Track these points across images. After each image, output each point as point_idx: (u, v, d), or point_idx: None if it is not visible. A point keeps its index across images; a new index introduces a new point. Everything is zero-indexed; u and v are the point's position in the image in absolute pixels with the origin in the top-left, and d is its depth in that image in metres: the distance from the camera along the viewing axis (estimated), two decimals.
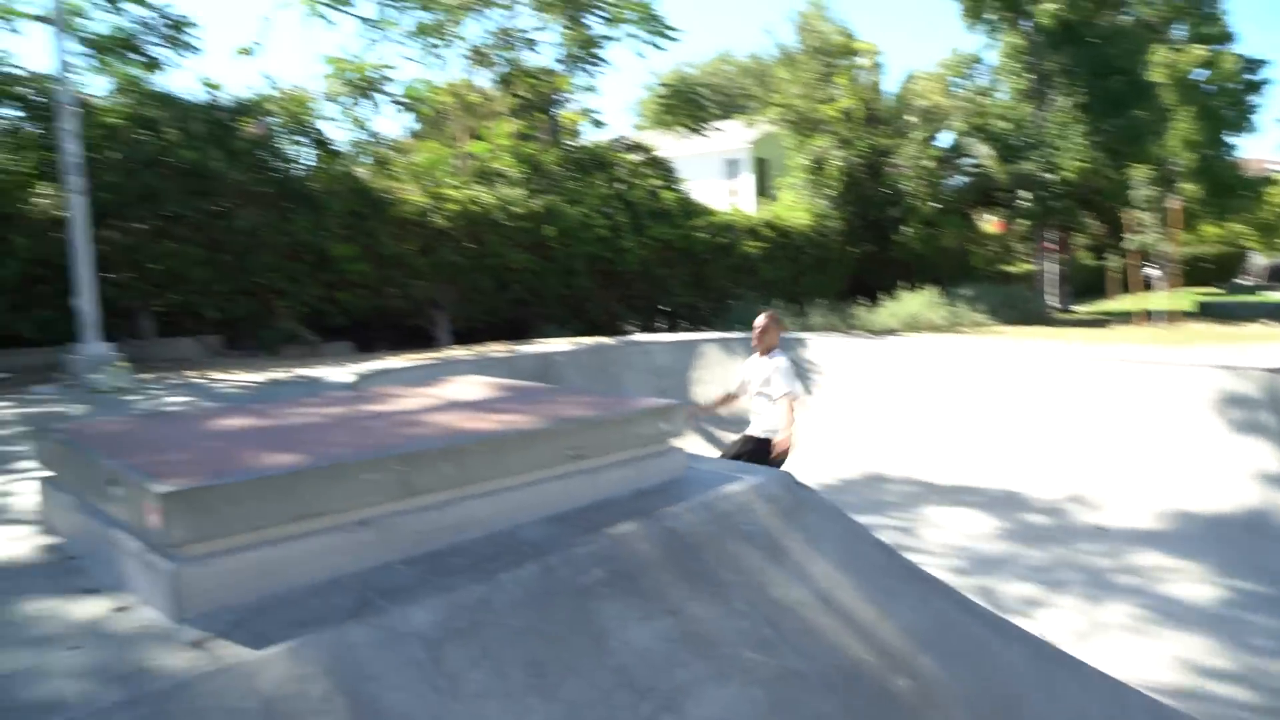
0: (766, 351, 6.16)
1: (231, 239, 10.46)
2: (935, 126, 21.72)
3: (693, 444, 8.72)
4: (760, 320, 6.14)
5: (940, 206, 21.14)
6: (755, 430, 6.16)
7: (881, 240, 20.82)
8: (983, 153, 21.09)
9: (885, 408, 9.43)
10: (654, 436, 3.62)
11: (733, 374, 6.61)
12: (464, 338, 12.83)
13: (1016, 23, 22.01)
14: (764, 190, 30.37)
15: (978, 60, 24.26)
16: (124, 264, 9.75)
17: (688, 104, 19.49)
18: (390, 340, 12.50)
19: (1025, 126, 21.06)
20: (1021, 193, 20.73)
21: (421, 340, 12.61)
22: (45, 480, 3.69)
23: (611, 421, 3.48)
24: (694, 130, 19.06)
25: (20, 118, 10.20)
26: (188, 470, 2.59)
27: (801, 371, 10.46)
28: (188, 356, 10.28)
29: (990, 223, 25.58)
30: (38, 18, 11.78)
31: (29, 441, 5.44)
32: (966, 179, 22.48)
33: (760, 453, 5.93)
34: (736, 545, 3.15)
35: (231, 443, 3.17)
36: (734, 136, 30.51)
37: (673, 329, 15.37)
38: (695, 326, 15.71)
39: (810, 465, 8.57)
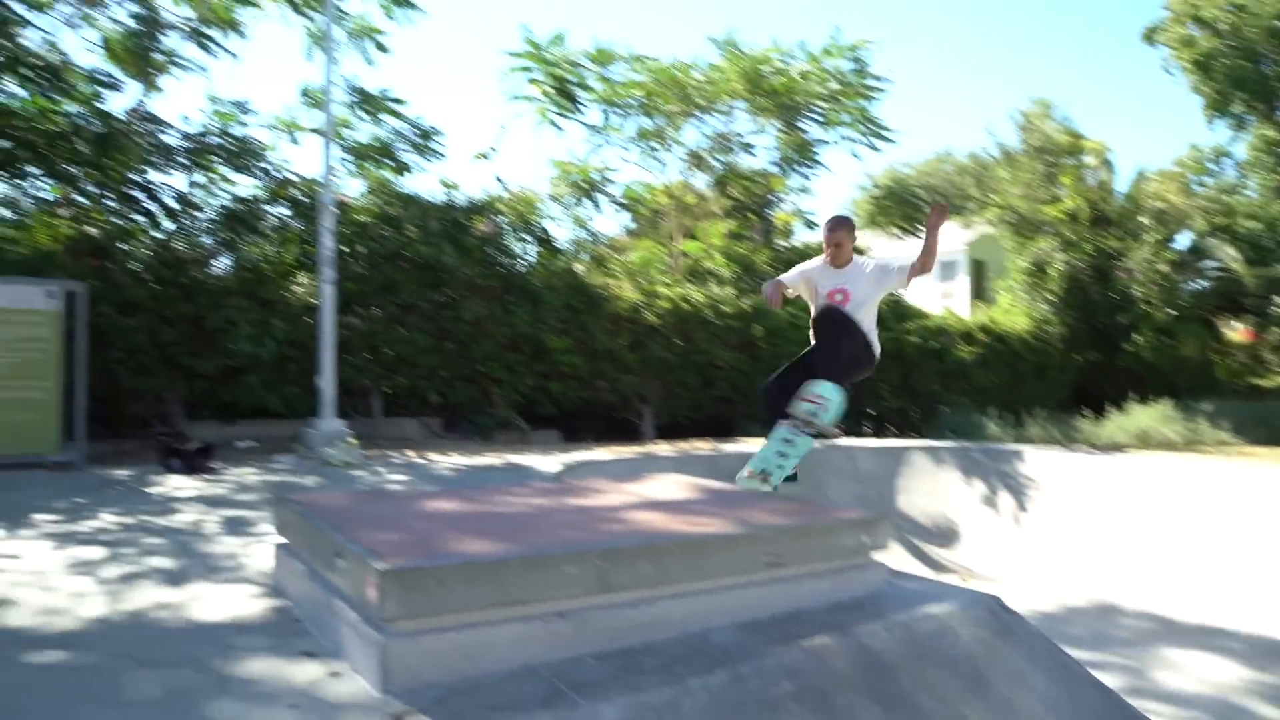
0: (845, 263, 5.15)
1: (457, 328, 11.21)
2: (1172, 228, 20.34)
3: (896, 557, 8.33)
4: (836, 227, 5.07)
5: (1176, 313, 19.63)
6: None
7: (1108, 348, 19.50)
8: (1228, 255, 19.50)
9: (1116, 531, 8.69)
10: (855, 549, 3.52)
11: (798, 277, 5.30)
12: (667, 432, 13.01)
13: (1271, 114, 20.46)
14: (980, 293, 29.33)
15: (1225, 154, 22.68)
16: (361, 347, 10.64)
17: (902, 204, 19.28)
18: (596, 431, 12.85)
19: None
20: (1276, 298, 18.94)
21: (626, 433, 12.88)
22: (279, 546, 4.02)
23: (811, 531, 3.41)
24: (908, 231, 18.78)
25: (288, 216, 11.49)
26: (404, 550, 2.75)
27: (1017, 488, 9.86)
28: (410, 436, 10.99)
29: (1237, 331, 23.43)
30: (312, 130, 13.33)
31: (268, 508, 5.95)
32: (1208, 283, 20.81)
33: (851, 341, 5.12)
34: (936, 670, 2.98)
35: (444, 525, 3.35)
36: (950, 237, 29.82)
37: (879, 434, 14.95)
38: (903, 433, 15.21)
39: (1027, 589, 7.99)
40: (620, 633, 2.83)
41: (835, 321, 5.07)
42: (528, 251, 13.16)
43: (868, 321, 5.26)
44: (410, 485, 7.15)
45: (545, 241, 13.34)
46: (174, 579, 4.11)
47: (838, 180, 30.25)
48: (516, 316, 11.57)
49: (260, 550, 4.69)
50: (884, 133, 16.68)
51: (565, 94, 14.99)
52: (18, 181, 10.65)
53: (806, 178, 17.18)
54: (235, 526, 5.36)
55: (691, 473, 6.70)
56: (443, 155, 13.13)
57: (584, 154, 16.17)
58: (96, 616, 3.53)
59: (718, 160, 17.07)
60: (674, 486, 4.34)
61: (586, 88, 15.70)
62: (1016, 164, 21.15)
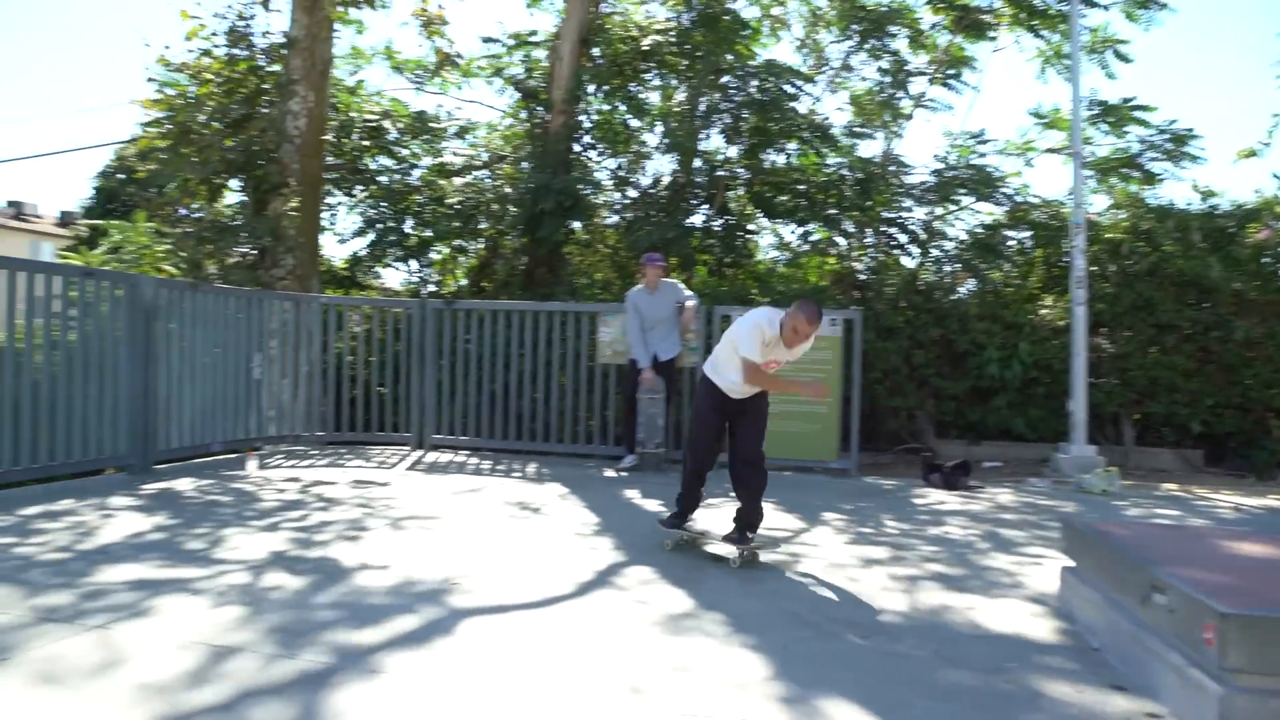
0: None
1: (1225, 350, 9.92)
2: None
3: None
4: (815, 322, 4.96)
5: None
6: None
7: None
8: None
9: None
10: None
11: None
12: None
13: None
14: None
15: None
16: (1110, 371, 10.07)
17: None
18: None
19: None
20: None
21: None
22: (1066, 569, 3.99)
23: None
24: None
25: (1029, 239, 11.45)
26: (1241, 595, 2.51)
27: None
28: (1165, 468, 10.05)
29: None
30: (1047, 150, 13.16)
31: (1029, 529, 5.97)
32: None
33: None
34: None
35: (1263, 570, 2.99)
36: None
37: None
38: None
39: None
40: None
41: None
42: None
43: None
44: (1181, 521, 6.53)
45: None
46: (955, 585, 4.37)
47: None
48: None
49: (1035, 571, 4.73)
50: None
51: None
52: (795, 228, 12.52)
53: None
54: (1001, 543, 5.49)
55: None
56: (1200, 159, 11.79)
57: None
58: (898, 610, 3.92)
59: None
60: None
61: None
62: None
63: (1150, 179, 12.16)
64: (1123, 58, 12.89)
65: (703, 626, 3.61)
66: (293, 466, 7.85)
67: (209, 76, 10.42)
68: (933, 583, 4.43)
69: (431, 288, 13.17)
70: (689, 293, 8.65)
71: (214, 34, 10.37)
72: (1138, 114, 12.37)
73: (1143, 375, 10.04)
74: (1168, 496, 7.86)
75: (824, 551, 5.08)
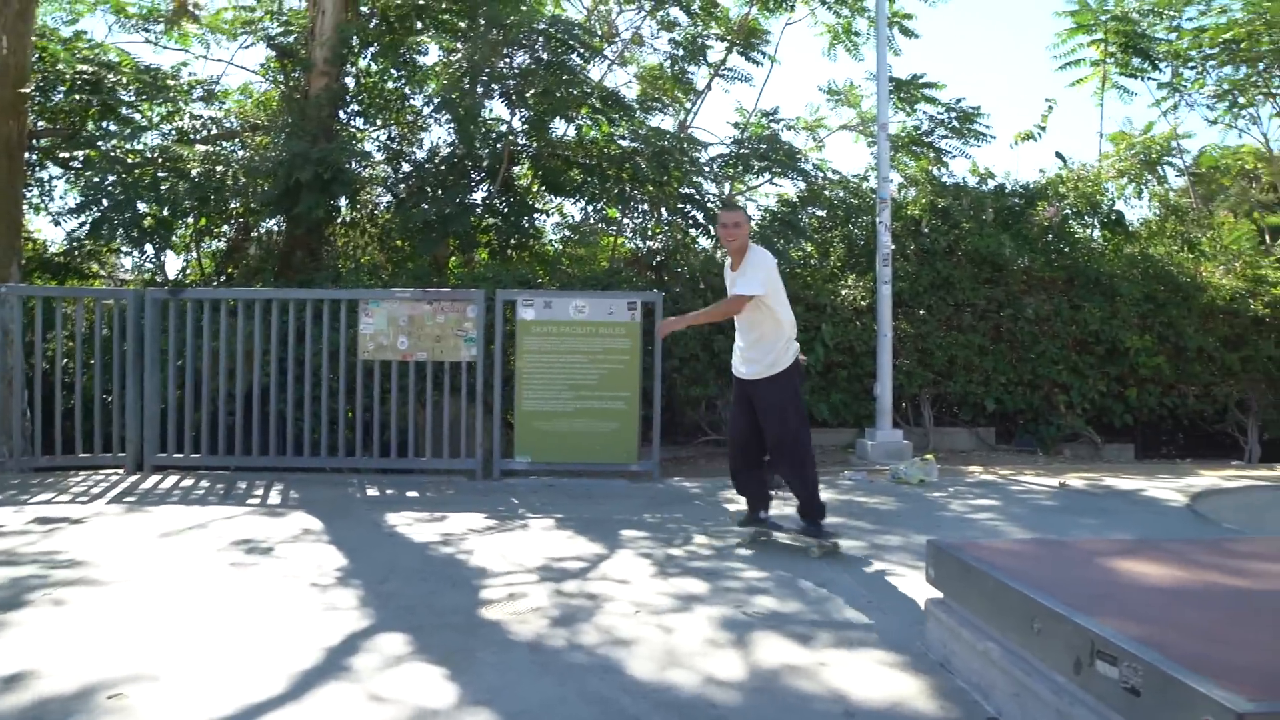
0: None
1: (1015, 327, 9.91)
2: None
3: None
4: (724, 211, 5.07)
5: None
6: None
7: None
8: None
9: None
10: None
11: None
12: (1275, 449, 10.47)
13: None
14: None
15: None
16: (910, 352, 9.82)
17: None
18: (1179, 447, 10.75)
19: None
20: None
21: (1214, 449, 10.57)
22: (935, 603, 3.24)
23: None
24: None
25: (824, 216, 11.06)
26: (1245, 672, 1.75)
27: None
28: (962, 448, 9.94)
29: None
30: (841, 127, 12.94)
31: (859, 536, 5.25)
32: None
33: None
34: None
35: (1207, 607, 2.30)
36: None
37: None
38: None
39: None
40: None
41: None
42: (1094, 238, 11.33)
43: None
44: (1002, 513, 6.11)
45: (1116, 224, 11.37)
46: (796, 631, 3.54)
47: None
48: (1085, 312, 9.94)
49: (884, 599, 4.00)
50: None
51: (1135, 50, 12.75)
52: (585, 206, 11.60)
53: None
54: (832, 559, 4.76)
55: None
56: (988, 137, 11.85)
57: (1153, 120, 13.78)
58: (735, 679, 3.01)
59: None
60: None
61: (1149, 39, 13.27)
62: None
63: (940, 157, 12.13)
64: (909, 33, 12.84)
65: None
66: None
67: None
68: (768, 630, 3.57)
69: (173, 277, 11.30)
70: None
71: None
72: (927, 91, 12.31)
73: (942, 355, 9.85)
74: (980, 482, 7.53)
75: (631, 589, 4.14)
